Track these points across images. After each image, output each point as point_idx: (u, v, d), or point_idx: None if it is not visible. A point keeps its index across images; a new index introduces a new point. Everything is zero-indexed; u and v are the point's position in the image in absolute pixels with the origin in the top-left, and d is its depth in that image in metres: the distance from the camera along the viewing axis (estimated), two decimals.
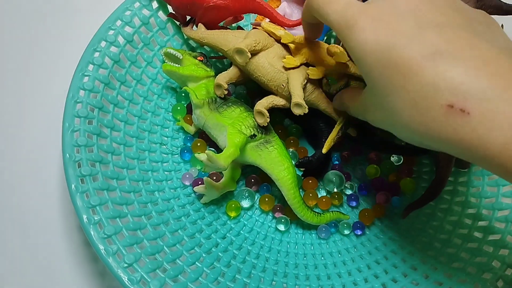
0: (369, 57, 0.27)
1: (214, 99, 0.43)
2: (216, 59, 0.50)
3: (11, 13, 0.54)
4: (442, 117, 0.24)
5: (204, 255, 0.39)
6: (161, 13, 0.48)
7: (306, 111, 0.39)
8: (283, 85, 0.41)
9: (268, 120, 0.41)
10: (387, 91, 0.27)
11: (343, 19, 0.29)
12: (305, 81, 0.41)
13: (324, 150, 0.42)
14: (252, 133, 0.41)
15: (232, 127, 0.41)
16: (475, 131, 0.23)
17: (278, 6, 0.47)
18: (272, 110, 0.43)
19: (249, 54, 0.40)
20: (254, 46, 0.40)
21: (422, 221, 0.44)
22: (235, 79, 0.43)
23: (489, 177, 0.44)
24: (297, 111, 0.40)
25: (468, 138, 0.23)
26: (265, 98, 0.42)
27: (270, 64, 0.41)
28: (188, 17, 0.47)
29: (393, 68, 0.26)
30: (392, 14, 0.27)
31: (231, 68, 0.43)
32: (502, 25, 0.44)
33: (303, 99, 0.40)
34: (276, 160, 0.41)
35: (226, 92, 0.43)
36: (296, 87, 0.40)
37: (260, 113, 0.41)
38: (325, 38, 0.52)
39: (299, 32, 0.46)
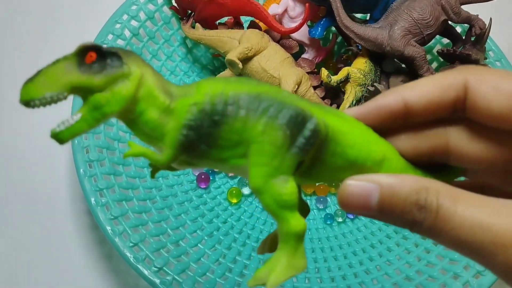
0: None
1: None
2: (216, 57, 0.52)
3: (21, 7, 0.56)
4: None
5: (206, 237, 0.41)
6: (165, 8, 0.50)
7: None
8: None
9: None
10: None
11: None
12: (296, 86, 0.43)
13: None
14: None
15: None
16: None
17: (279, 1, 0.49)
18: None
19: (240, 66, 0.42)
20: (247, 53, 0.43)
21: None
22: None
23: None
24: None
25: None
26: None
27: (263, 70, 0.43)
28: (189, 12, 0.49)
29: None
30: None
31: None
32: (477, 15, 0.46)
33: None
34: None
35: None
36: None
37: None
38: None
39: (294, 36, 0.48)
